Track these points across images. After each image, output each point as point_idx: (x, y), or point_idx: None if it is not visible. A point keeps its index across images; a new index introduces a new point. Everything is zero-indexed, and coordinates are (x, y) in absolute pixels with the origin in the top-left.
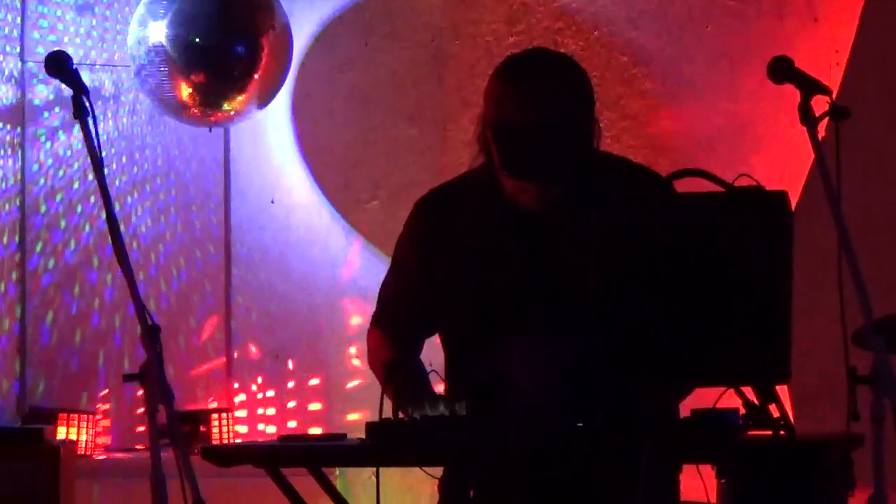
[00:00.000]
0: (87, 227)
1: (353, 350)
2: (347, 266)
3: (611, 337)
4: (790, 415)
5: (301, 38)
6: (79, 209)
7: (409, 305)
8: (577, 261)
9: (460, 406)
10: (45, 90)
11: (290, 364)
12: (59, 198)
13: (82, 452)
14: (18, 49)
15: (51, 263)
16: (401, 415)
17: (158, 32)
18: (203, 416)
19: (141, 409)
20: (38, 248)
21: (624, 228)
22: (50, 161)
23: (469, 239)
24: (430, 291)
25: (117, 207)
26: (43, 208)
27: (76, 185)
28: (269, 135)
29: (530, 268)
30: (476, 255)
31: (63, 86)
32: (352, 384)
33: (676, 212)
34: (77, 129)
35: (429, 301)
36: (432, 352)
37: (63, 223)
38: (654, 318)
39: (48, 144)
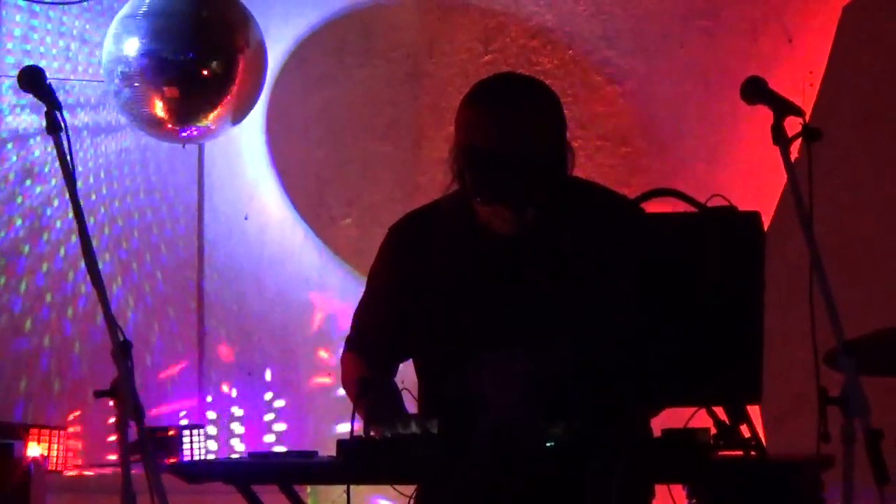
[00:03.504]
0: (61, 244)
1: (325, 365)
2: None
3: (584, 357)
4: (761, 435)
5: (276, 55)
6: (51, 225)
7: (383, 331)
8: (551, 284)
9: (432, 424)
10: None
11: (263, 380)
12: (27, 205)
13: (53, 468)
14: None
15: (22, 277)
16: (372, 432)
17: (133, 48)
18: (174, 433)
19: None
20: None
21: (596, 252)
22: (13, 175)
23: (443, 265)
24: (405, 317)
25: (90, 223)
26: (18, 222)
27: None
28: (242, 151)
29: (505, 292)
30: (451, 280)
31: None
32: (324, 401)
33: (647, 236)
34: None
35: (403, 327)
36: (405, 370)
37: (32, 225)
38: (627, 338)
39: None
